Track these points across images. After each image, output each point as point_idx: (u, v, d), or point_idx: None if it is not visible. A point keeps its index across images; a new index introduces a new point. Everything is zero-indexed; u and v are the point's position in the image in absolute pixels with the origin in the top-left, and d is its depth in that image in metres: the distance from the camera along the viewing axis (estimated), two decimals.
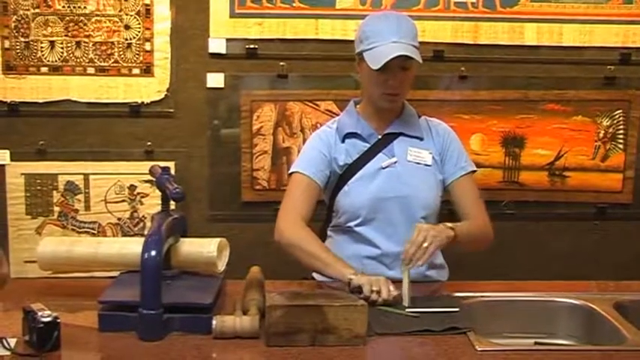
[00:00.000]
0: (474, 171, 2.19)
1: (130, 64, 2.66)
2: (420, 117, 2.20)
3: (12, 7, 2.60)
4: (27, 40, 2.62)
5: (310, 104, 2.71)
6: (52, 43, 2.63)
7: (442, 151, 2.14)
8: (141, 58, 2.66)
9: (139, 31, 2.65)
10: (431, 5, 2.67)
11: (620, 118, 2.77)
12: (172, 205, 1.83)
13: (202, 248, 1.83)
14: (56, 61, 2.64)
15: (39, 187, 2.69)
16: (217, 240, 1.84)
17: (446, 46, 2.70)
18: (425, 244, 1.85)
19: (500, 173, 2.80)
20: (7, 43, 2.63)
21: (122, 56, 2.65)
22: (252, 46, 2.67)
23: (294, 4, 2.65)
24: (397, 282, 2.01)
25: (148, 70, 2.67)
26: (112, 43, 2.65)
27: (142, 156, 2.70)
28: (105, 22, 2.63)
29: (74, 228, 2.72)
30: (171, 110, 2.70)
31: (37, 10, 2.61)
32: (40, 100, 2.66)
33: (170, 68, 2.67)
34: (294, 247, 2.02)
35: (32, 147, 2.68)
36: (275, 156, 2.74)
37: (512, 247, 2.81)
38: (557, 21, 2.70)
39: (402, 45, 1.96)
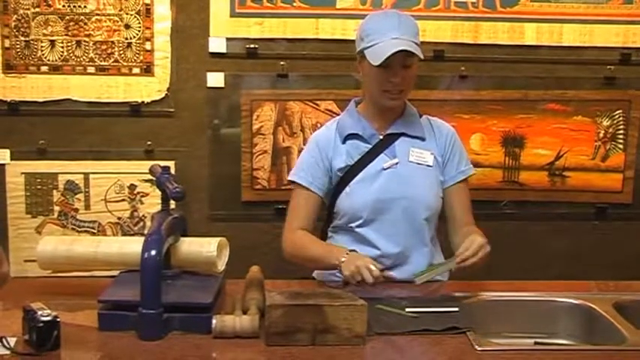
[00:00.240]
0: (472, 174, 2.21)
1: (130, 64, 2.66)
2: (421, 116, 2.19)
3: (12, 6, 2.60)
4: (27, 39, 2.62)
5: (310, 104, 2.71)
6: (52, 43, 2.63)
7: (444, 152, 2.14)
8: (141, 58, 2.66)
9: (139, 31, 2.65)
10: (431, 5, 2.67)
11: (620, 118, 2.77)
12: (172, 204, 1.83)
13: (202, 248, 1.83)
14: (56, 60, 2.64)
15: (39, 187, 2.69)
16: (217, 239, 1.84)
17: (446, 46, 2.70)
18: (478, 254, 1.90)
19: (500, 173, 2.80)
20: (7, 43, 2.62)
21: (122, 56, 2.65)
22: (252, 46, 2.67)
23: (294, 4, 2.65)
24: (398, 281, 2.02)
25: (148, 70, 2.67)
26: (113, 42, 2.65)
27: (142, 155, 2.70)
28: (105, 21, 2.63)
29: (74, 227, 2.72)
30: (172, 110, 2.70)
31: (37, 10, 2.61)
32: (41, 100, 2.66)
33: (170, 68, 2.67)
34: (295, 258, 2.14)
35: (32, 146, 2.68)
36: (275, 156, 2.74)
37: (512, 247, 2.81)
38: (557, 21, 2.70)
39: (403, 41, 1.96)
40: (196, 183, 2.71)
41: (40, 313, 1.52)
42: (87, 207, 2.72)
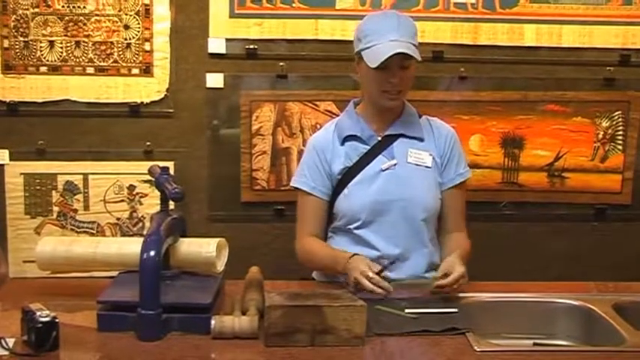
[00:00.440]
0: (469, 177, 2.21)
1: (129, 64, 2.66)
2: (420, 117, 2.19)
3: (11, 6, 2.60)
4: (26, 39, 2.62)
5: (310, 104, 2.71)
6: (51, 43, 2.63)
7: (443, 154, 2.14)
8: (140, 58, 2.66)
9: (139, 31, 2.64)
10: (430, 6, 2.67)
11: (620, 119, 2.77)
12: (172, 205, 1.83)
13: (201, 248, 1.83)
14: (55, 60, 2.64)
15: (38, 187, 2.69)
16: (216, 240, 1.84)
17: (445, 47, 2.70)
18: (455, 286, 1.87)
19: (499, 174, 2.79)
20: (6, 43, 2.62)
21: (121, 56, 2.65)
22: (251, 47, 2.67)
23: (293, 5, 2.65)
24: (397, 282, 2.02)
25: (147, 70, 2.67)
26: (112, 43, 2.64)
27: (142, 156, 2.70)
28: (104, 21, 2.63)
29: (73, 228, 2.72)
30: (171, 110, 2.69)
31: (36, 10, 2.61)
32: (40, 100, 2.65)
33: (170, 68, 2.66)
34: (308, 264, 2.18)
35: (31, 147, 2.67)
36: (274, 156, 2.73)
37: (511, 248, 2.81)
38: (556, 22, 2.70)
39: (401, 43, 1.96)
40: (195, 184, 2.71)
41: (38, 313, 1.52)
42: (86, 207, 2.72)
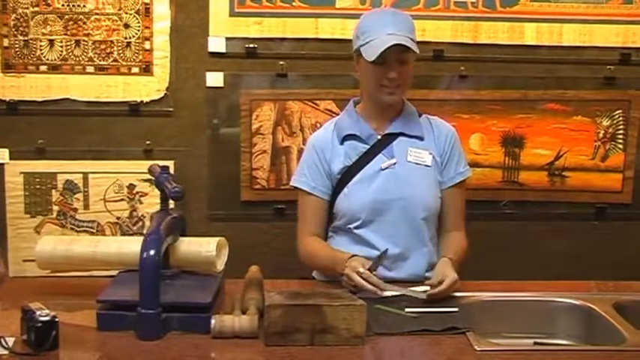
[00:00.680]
0: (469, 176, 2.21)
1: (129, 63, 2.66)
2: (420, 115, 2.19)
3: (11, 5, 2.59)
4: (26, 38, 2.62)
5: (310, 103, 2.71)
6: (51, 42, 2.63)
7: (443, 153, 2.13)
8: (140, 57, 2.66)
9: (139, 30, 2.64)
10: (431, 5, 2.67)
11: (620, 118, 2.77)
12: (171, 204, 1.83)
13: (201, 247, 1.83)
14: (55, 59, 2.64)
15: (38, 186, 2.69)
16: (216, 239, 1.84)
17: (446, 46, 2.69)
18: (448, 292, 1.87)
19: (499, 173, 2.79)
20: (6, 42, 2.62)
21: (121, 55, 2.65)
22: (251, 45, 2.67)
23: (293, 4, 2.65)
24: (398, 281, 2.02)
25: (147, 69, 2.66)
26: (112, 41, 2.64)
27: (141, 155, 2.69)
28: (104, 20, 2.63)
29: (73, 227, 2.71)
30: (171, 109, 2.69)
31: (36, 9, 2.61)
32: (39, 99, 2.65)
33: (169, 67, 2.66)
34: (310, 265, 2.17)
35: (31, 146, 2.67)
36: (274, 155, 2.73)
37: (511, 247, 2.81)
38: (557, 21, 2.70)
39: (398, 36, 1.97)
40: (195, 183, 2.71)
41: (38, 313, 1.52)
42: (86, 207, 2.71)
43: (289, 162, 2.71)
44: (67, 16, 2.62)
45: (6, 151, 2.66)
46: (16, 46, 2.62)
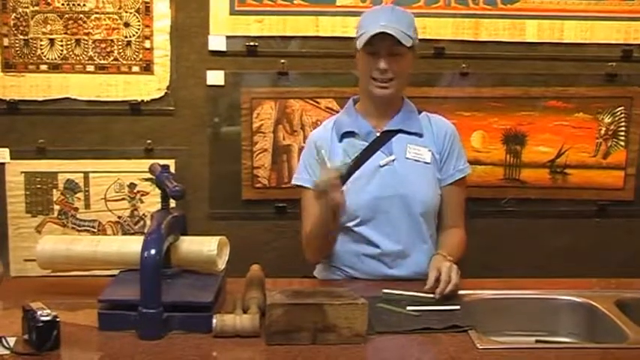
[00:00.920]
0: (469, 173, 2.20)
1: (129, 62, 2.65)
2: (420, 113, 2.19)
3: (11, 4, 2.59)
4: (26, 37, 2.62)
5: (311, 102, 2.70)
6: (51, 41, 2.63)
7: (442, 150, 2.13)
8: (140, 56, 2.65)
9: (139, 29, 2.64)
10: (432, 2, 2.66)
11: (622, 115, 2.76)
12: (172, 203, 1.83)
13: (202, 246, 1.82)
14: (56, 59, 2.63)
15: (39, 186, 2.69)
16: (217, 238, 1.84)
17: (447, 43, 2.69)
18: (453, 281, 1.85)
19: (501, 170, 2.79)
20: (6, 41, 2.62)
21: (122, 54, 2.64)
22: (252, 44, 2.66)
23: (294, 2, 2.64)
24: (398, 280, 2.02)
25: (147, 68, 2.66)
26: (112, 40, 2.64)
27: (142, 154, 2.69)
28: (104, 19, 2.62)
29: (74, 226, 2.71)
30: (171, 108, 2.69)
31: (36, 8, 2.60)
32: (40, 98, 2.65)
33: (170, 66, 2.66)
34: (311, 247, 2.11)
35: (32, 145, 2.67)
36: (275, 154, 2.73)
37: (513, 245, 2.80)
38: (558, 17, 2.69)
39: (389, 28, 1.98)
40: (196, 181, 2.71)
41: (39, 312, 1.52)
42: (87, 206, 2.71)
43: (290, 160, 2.71)
44: (67, 15, 2.61)
45: (7, 151, 2.66)
46: (17, 45, 2.62)
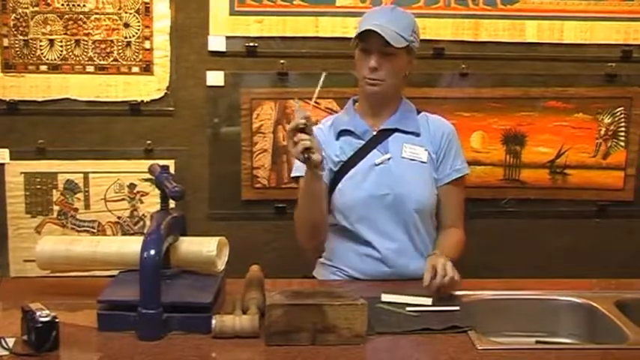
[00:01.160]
0: (467, 173, 2.19)
1: (129, 63, 2.65)
2: (419, 113, 2.19)
3: (11, 5, 2.59)
4: (26, 38, 2.62)
5: (310, 102, 2.69)
6: (51, 42, 2.63)
7: (439, 150, 2.13)
8: (140, 57, 2.65)
9: (139, 30, 2.64)
10: (431, 3, 2.66)
11: (622, 116, 2.76)
12: (172, 203, 1.82)
13: (202, 247, 1.82)
14: (55, 59, 2.63)
15: (38, 186, 2.69)
16: (217, 239, 1.83)
17: (446, 44, 2.69)
18: (449, 274, 1.83)
19: (500, 171, 2.79)
20: (6, 42, 2.62)
21: (121, 54, 2.64)
22: (252, 44, 2.66)
23: (294, 2, 2.64)
24: (396, 280, 2.02)
25: (147, 69, 2.66)
26: (112, 41, 2.64)
27: (142, 154, 2.69)
28: (104, 20, 2.62)
29: (74, 227, 2.71)
30: (171, 108, 2.69)
31: (36, 9, 2.60)
32: (40, 99, 2.65)
33: (170, 66, 2.66)
34: (305, 230, 2.09)
35: (31, 146, 2.67)
36: (275, 154, 2.73)
37: (513, 245, 2.80)
38: (558, 18, 2.69)
39: (382, 27, 1.99)
40: (196, 182, 2.70)
41: (38, 313, 1.52)
42: (86, 206, 2.71)
43: (290, 161, 2.71)
44: (66, 16, 2.61)
45: (6, 151, 2.66)
46: (16, 45, 2.62)
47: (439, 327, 1.67)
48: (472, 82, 2.73)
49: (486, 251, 2.70)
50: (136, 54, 2.65)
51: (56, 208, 2.70)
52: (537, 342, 1.85)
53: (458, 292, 1.89)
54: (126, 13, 2.63)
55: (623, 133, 2.77)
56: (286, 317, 1.56)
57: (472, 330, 1.66)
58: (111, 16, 2.62)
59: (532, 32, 2.69)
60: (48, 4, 2.60)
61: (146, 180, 2.67)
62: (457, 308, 1.77)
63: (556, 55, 2.72)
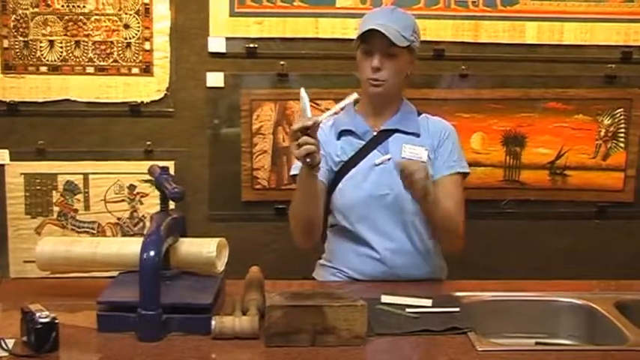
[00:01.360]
0: (466, 173, 2.17)
1: (129, 64, 2.65)
2: (420, 114, 2.19)
3: (11, 6, 2.59)
4: (26, 39, 2.62)
5: (311, 103, 2.68)
6: (51, 43, 2.63)
7: (435, 148, 2.13)
8: (140, 58, 2.65)
9: (139, 31, 2.64)
10: (431, 4, 2.66)
11: (621, 117, 2.76)
12: (172, 204, 1.82)
13: (202, 248, 1.82)
14: (55, 60, 2.64)
15: (38, 187, 2.69)
16: (217, 240, 1.83)
17: (446, 45, 2.69)
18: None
19: (501, 172, 2.79)
20: (6, 43, 2.62)
21: (121, 56, 2.64)
22: (251, 45, 2.66)
23: (294, 3, 2.64)
24: (397, 281, 2.01)
25: (147, 70, 2.66)
26: (112, 42, 2.64)
27: (142, 156, 2.69)
28: (104, 21, 2.62)
29: (74, 228, 2.71)
30: (171, 110, 2.69)
31: (36, 10, 2.60)
32: (40, 100, 2.65)
33: (170, 67, 2.66)
34: (300, 226, 2.07)
35: (31, 147, 2.67)
36: (275, 155, 2.73)
37: (512, 247, 2.80)
38: (557, 19, 2.69)
39: (384, 27, 1.99)
40: (196, 183, 2.70)
41: (38, 314, 1.51)
42: (86, 207, 2.71)
43: (290, 162, 2.70)
44: (67, 17, 2.62)
45: (6, 152, 2.66)
46: (16, 47, 2.62)
47: (439, 328, 1.66)
48: (472, 83, 2.73)
49: (486, 252, 2.70)
50: (136, 55, 2.65)
51: (56, 209, 2.71)
52: (537, 343, 1.85)
53: (458, 294, 1.89)
54: (126, 14, 2.63)
55: (623, 135, 2.77)
56: (286, 318, 1.56)
57: (472, 331, 1.66)
58: (111, 17, 2.62)
59: (532, 33, 2.70)
60: (48, 5, 2.60)
61: (146, 181, 2.67)
62: (457, 309, 1.77)
63: (556, 56, 2.72)
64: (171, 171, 1.91)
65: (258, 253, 2.69)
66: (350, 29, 2.60)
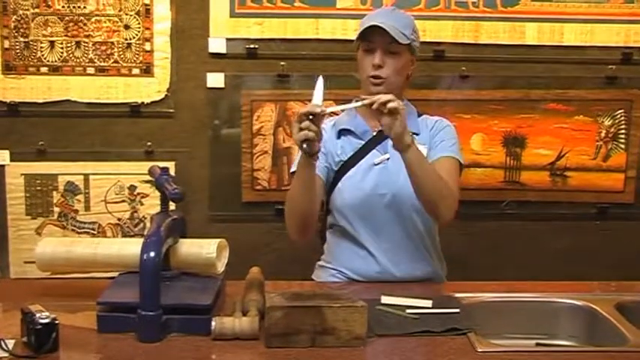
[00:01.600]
0: (461, 164, 2.12)
1: (129, 64, 2.65)
2: (420, 115, 2.19)
3: (12, 6, 2.60)
4: (27, 40, 2.62)
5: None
6: (51, 43, 2.63)
7: (431, 140, 2.12)
8: (141, 58, 2.65)
9: (139, 31, 2.64)
10: (432, 5, 2.66)
11: (622, 118, 2.76)
12: (172, 205, 1.82)
13: (202, 249, 1.82)
14: (56, 61, 2.64)
15: (39, 188, 2.69)
16: (217, 241, 1.83)
17: (447, 46, 2.69)
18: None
19: (501, 173, 2.79)
20: (6, 43, 2.62)
21: (122, 56, 2.65)
22: (252, 46, 2.66)
23: (294, 4, 2.65)
24: (396, 282, 2.01)
25: (147, 70, 2.66)
26: (112, 43, 2.64)
27: (142, 156, 2.69)
28: (105, 22, 2.63)
29: (74, 228, 2.71)
30: (172, 110, 2.69)
31: (36, 10, 2.61)
32: (40, 101, 2.65)
33: (170, 68, 2.66)
34: (295, 221, 2.01)
35: (32, 147, 2.67)
36: (275, 156, 2.73)
37: (513, 247, 2.80)
38: (558, 20, 2.69)
39: (385, 24, 1.99)
40: (196, 184, 2.71)
41: (38, 315, 1.51)
42: (87, 208, 2.71)
43: (290, 163, 2.71)
44: (67, 18, 2.62)
45: (7, 153, 2.67)
46: (17, 47, 2.62)
47: (439, 329, 1.66)
48: (472, 84, 2.73)
49: (486, 253, 2.70)
50: (137, 56, 2.65)
51: (56, 209, 2.71)
52: (537, 344, 1.85)
53: (458, 294, 1.89)
54: (126, 14, 2.63)
55: (623, 136, 2.77)
56: (286, 319, 1.56)
57: (472, 332, 1.66)
58: (111, 17, 2.63)
59: (532, 34, 2.70)
60: (49, 6, 2.61)
61: (146, 182, 2.67)
62: (457, 310, 1.77)
63: (556, 57, 2.72)
64: (172, 172, 1.91)
65: (259, 254, 2.69)
66: (350, 30, 2.61)
